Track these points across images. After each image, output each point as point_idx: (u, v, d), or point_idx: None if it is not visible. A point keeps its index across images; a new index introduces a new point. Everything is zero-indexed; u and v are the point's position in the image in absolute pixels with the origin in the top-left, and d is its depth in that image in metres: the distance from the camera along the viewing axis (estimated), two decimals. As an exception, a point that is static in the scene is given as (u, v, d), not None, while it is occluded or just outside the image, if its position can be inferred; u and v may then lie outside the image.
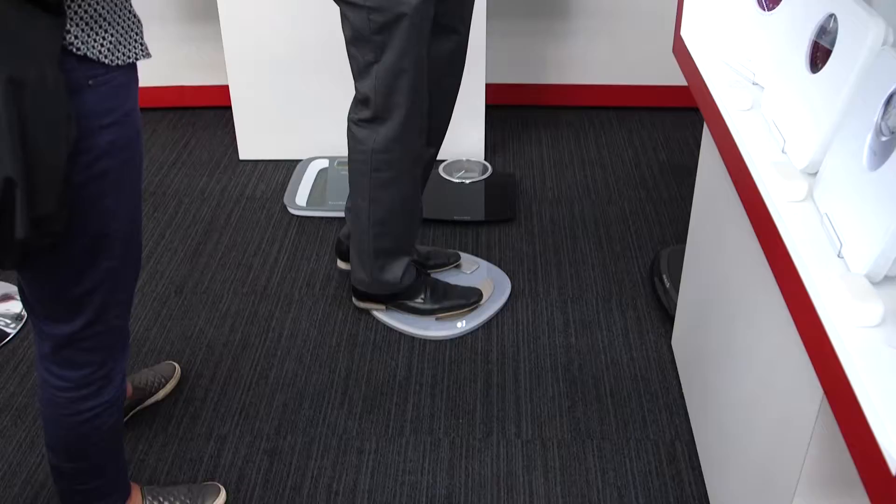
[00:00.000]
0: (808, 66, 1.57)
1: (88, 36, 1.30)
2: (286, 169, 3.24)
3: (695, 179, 2.15)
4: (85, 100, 1.31)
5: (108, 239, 1.45)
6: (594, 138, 3.43)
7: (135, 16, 1.41)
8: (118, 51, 1.35)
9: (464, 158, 3.18)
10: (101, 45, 1.32)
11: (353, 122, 2.22)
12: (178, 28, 3.56)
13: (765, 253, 1.48)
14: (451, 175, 3.08)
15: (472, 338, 2.41)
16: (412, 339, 2.41)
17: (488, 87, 3.21)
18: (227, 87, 3.24)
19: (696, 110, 1.94)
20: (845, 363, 1.15)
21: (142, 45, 1.41)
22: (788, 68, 1.63)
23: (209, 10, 3.36)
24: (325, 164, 3.18)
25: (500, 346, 2.38)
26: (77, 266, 1.44)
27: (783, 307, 1.40)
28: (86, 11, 1.29)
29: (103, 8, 1.32)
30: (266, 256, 2.76)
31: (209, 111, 3.65)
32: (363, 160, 2.23)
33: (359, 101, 2.19)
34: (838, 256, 1.31)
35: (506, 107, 3.59)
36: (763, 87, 1.76)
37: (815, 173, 1.47)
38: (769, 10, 1.81)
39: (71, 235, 1.38)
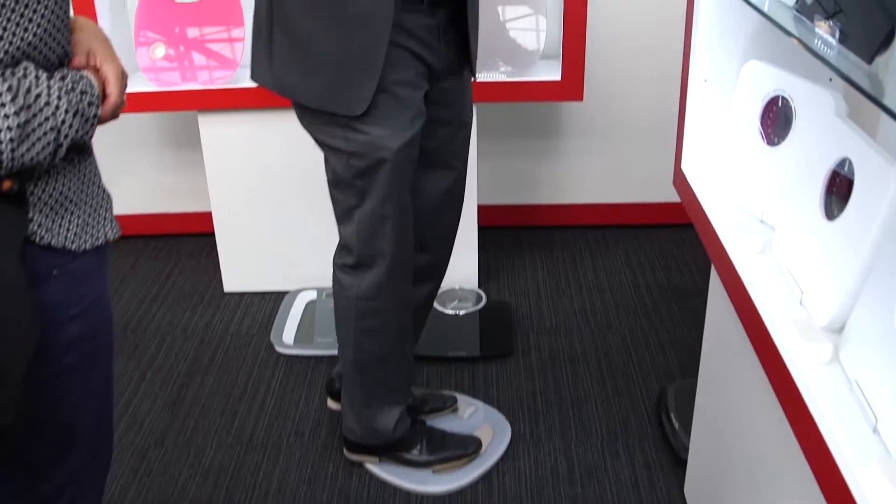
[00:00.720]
0: (823, 212, 1.47)
1: (53, 222, 1.16)
2: (273, 301, 3.12)
3: (695, 302, 2.04)
4: (49, 291, 1.16)
5: (75, 435, 1.31)
6: (590, 259, 3.33)
7: (104, 191, 1.28)
8: (86, 233, 1.21)
9: (457, 287, 3.07)
10: (68, 231, 1.18)
11: (338, 266, 2.14)
12: (160, 155, 3.50)
13: (789, 421, 1.36)
14: (444, 306, 2.96)
15: (472, 491, 2.26)
16: (408, 494, 2.26)
17: (480, 208, 3.12)
18: (210, 213, 3.15)
19: (691, 226, 1.85)
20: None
21: (112, 221, 1.28)
22: (801, 213, 1.53)
23: (191, 137, 3.29)
24: (312, 295, 3.07)
25: (503, 499, 2.23)
26: (43, 465, 1.30)
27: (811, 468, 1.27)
28: (50, 196, 1.15)
29: (69, 189, 1.18)
30: (252, 401, 2.62)
31: (193, 238, 3.55)
32: (347, 306, 2.13)
33: (342, 247, 2.11)
34: (873, 432, 1.20)
35: (498, 228, 3.51)
36: (773, 227, 1.67)
37: (839, 329, 1.37)
38: (773, 144, 1.73)
39: (34, 435, 1.24)
